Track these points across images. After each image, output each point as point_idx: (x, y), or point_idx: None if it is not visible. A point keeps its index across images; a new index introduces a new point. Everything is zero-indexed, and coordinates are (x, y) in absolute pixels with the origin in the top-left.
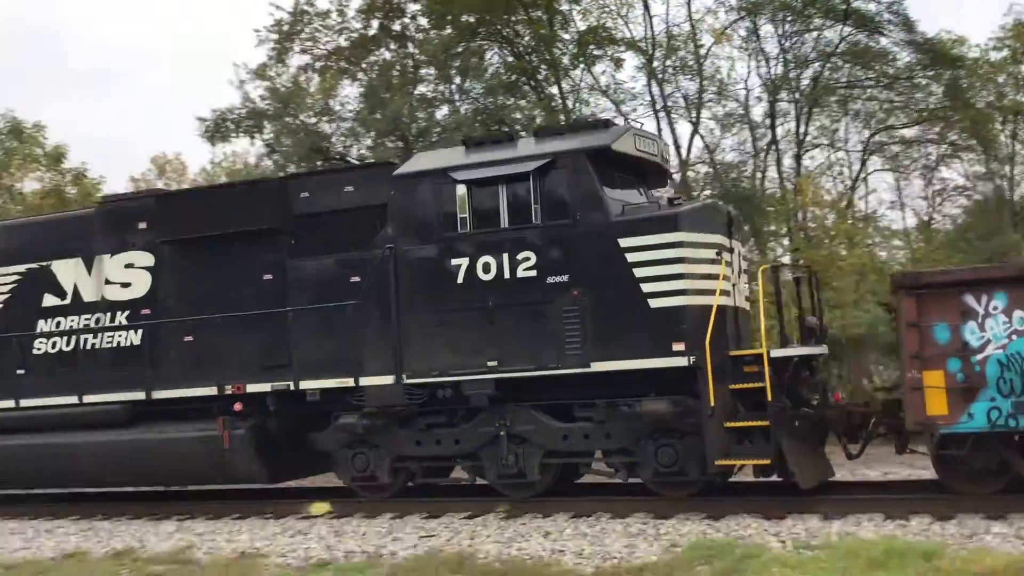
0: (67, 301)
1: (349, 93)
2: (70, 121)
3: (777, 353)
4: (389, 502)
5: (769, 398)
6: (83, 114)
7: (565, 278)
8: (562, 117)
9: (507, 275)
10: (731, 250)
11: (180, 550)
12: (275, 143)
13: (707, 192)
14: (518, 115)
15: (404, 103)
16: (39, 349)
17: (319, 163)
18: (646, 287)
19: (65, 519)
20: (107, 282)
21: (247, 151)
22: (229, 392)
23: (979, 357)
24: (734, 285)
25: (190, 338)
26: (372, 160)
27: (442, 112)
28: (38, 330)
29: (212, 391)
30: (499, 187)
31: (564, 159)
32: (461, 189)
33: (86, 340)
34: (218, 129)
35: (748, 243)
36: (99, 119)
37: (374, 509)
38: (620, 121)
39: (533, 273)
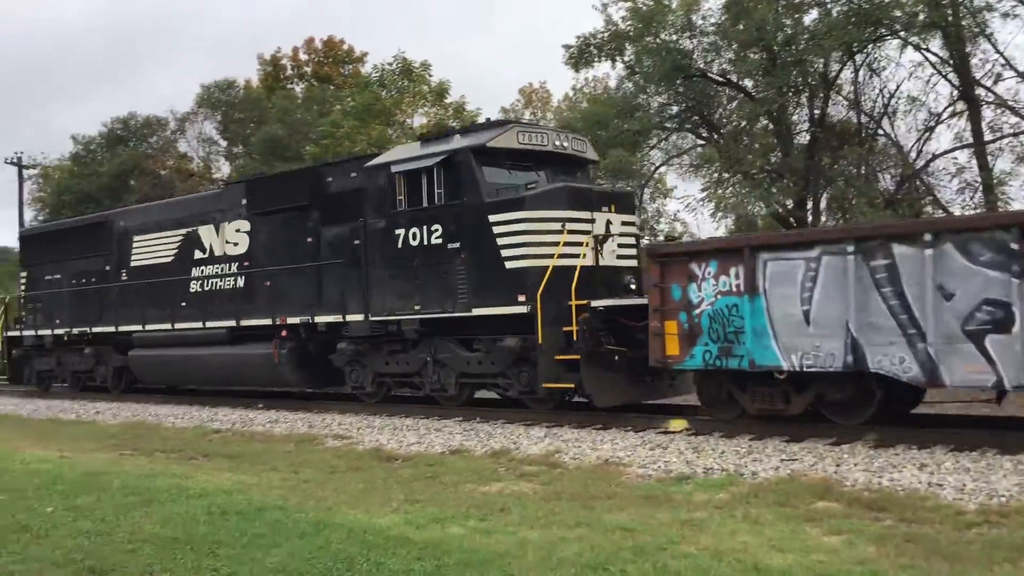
0: (206, 255)
1: (712, 5)
2: (451, 58)
3: (596, 303)
4: (748, 424)
5: (575, 338)
6: (459, 52)
7: (457, 245)
8: (949, 12)
9: (425, 242)
10: (591, 220)
11: (549, 454)
12: (636, 64)
13: None
14: (898, 13)
15: (769, 10)
16: (191, 289)
17: (678, 81)
18: (504, 252)
19: (451, 420)
20: (226, 242)
21: (608, 75)
22: (278, 323)
23: (697, 311)
24: (595, 248)
25: (267, 283)
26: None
27: (811, 16)
28: (191, 275)
29: (269, 322)
30: (421, 176)
31: (456, 155)
32: (398, 178)
33: (214, 283)
34: (581, 55)
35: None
36: (473, 55)
37: (732, 430)
38: None
39: (440, 241)
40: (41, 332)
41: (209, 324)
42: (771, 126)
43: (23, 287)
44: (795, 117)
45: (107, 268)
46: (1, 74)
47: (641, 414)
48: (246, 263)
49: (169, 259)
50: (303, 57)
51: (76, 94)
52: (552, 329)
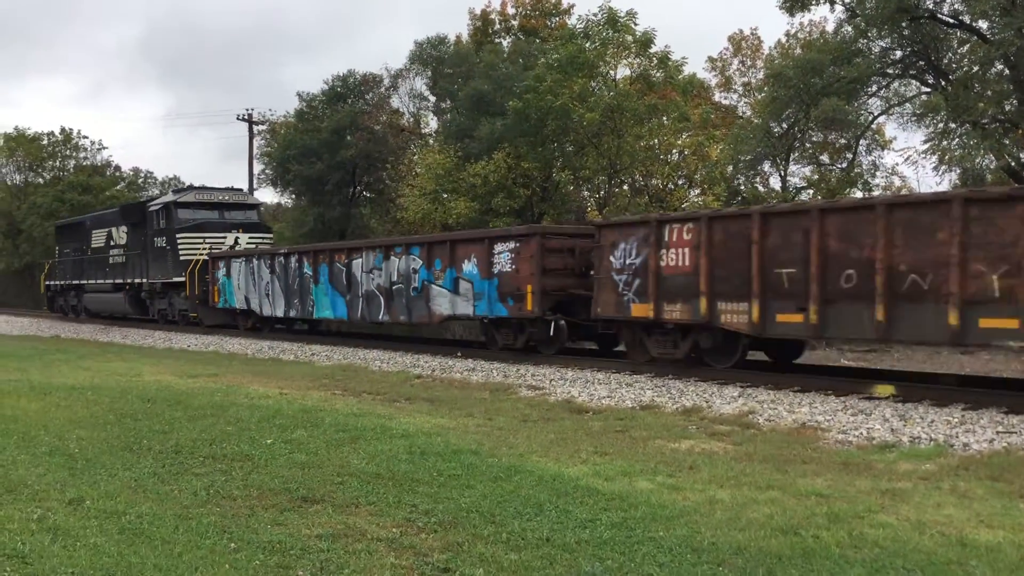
0: (113, 244)
1: None
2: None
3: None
4: (963, 392)
5: (196, 292)
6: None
7: (167, 246)
8: None
9: (159, 245)
10: (224, 238)
11: (743, 414)
12: (857, 6)
13: None
14: None
15: None
16: (109, 262)
17: (904, 24)
18: (180, 252)
19: (642, 375)
20: (120, 238)
21: (824, 19)
22: (126, 282)
23: None
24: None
25: (125, 261)
26: None
27: None
28: (109, 255)
29: (122, 280)
30: (159, 212)
31: (168, 205)
32: (153, 213)
33: (115, 259)
34: None
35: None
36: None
37: (945, 397)
38: None
39: (163, 244)
40: (58, 282)
41: (115, 281)
42: (1007, 71)
43: (56, 256)
44: None
45: (82, 248)
46: (236, 35)
47: (845, 378)
48: (123, 250)
49: (101, 245)
50: (511, 11)
51: (305, 53)
52: (193, 287)
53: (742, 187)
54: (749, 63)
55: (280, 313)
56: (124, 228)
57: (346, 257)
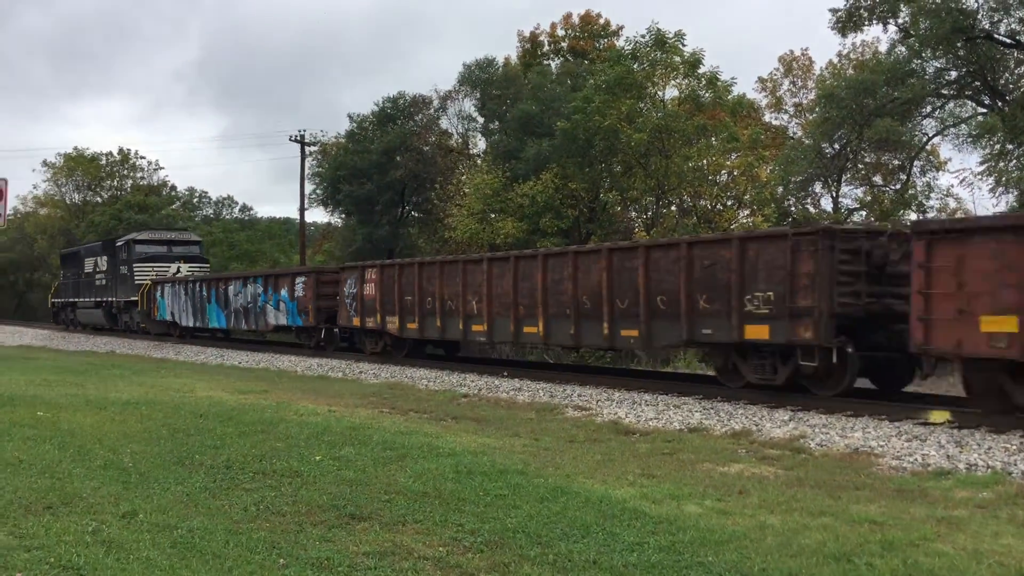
0: (97, 270)
1: None
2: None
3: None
4: (1020, 420)
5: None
6: (716, 21)
7: (128, 273)
8: None
9: (124, 272)
10: (168, 267)
11: (794, 438)
12: (911, 27)
13: None
14: None
15: None
16: (95, 284)
17: (959, 44)
18: (135, 277)
19: (690, 398)
20: (102, 265)
21: (877, 40)
22: (104, 300)
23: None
24: (174, 272)
25: (105, 283)
26: None
27: None
28: (94, 279)
29: (102, 299)
30: (124, 247)
31: (128, 242)
32: (120, 247)
33: (99, 282)
34: (850, 18)
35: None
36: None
37: (1003, 424)
38: None
39: (125, 272)
40: (60, 300)
41: (96, 299)
42: None
43: (60, 279)
44: None
45: (78, 272)
46: (291, 57)
47: (898, 403)
48: (103, 275)
49: (91, 270)
50: (560, 33)
51: (355, 76)
52: (142, 304)
53: (792, 208)
54: (800, 83)
55: (190, 324)
56: (104, 257)
57: (224, 284)
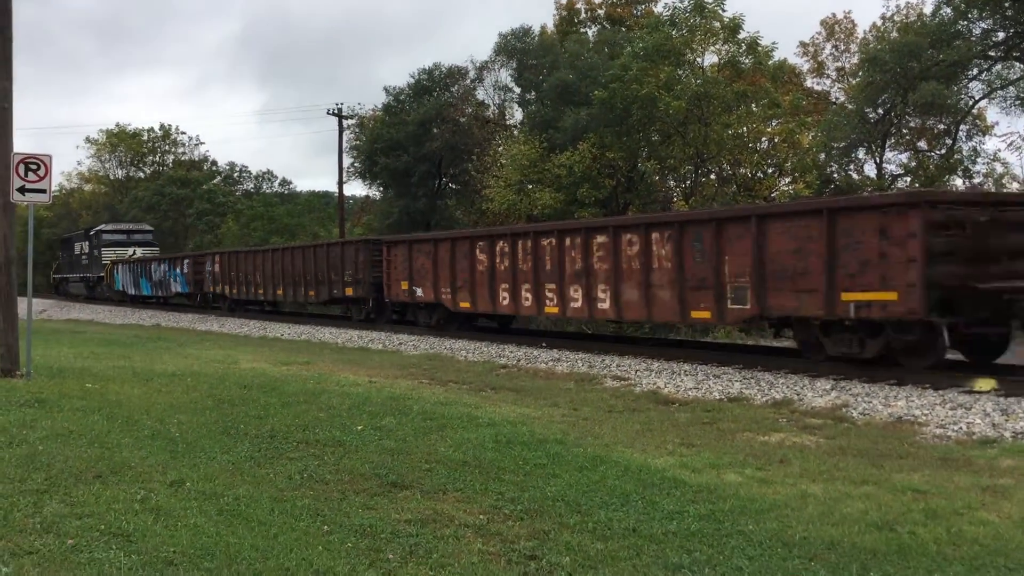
0: (84, 252)
1: None
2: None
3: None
4: None
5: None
6: None
7: (99, 255)
8: None
9: (97, 255)
10: (127, 250)
11: (836, 407)
12: None
13: None
14: None
15: None
16: (81, 263)
17: (1007, 3)
18: (103, 257)
19: (730, 367)
20: (87, 248)
21: (922, 1)
22: (88, 276)
23: None
24: (131, 255)
25: (87, 262)
26: None
27: None
28: (81, 259)
29: (89, 275)
30: (95, 235)
31: (97, 232)
32: (92, 235)
33: (83, 261)
34: None
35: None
36: None
37: None
38: None
39: (96, 254)
40: (58, 276)
41: (80, 275)
42: None
43: (59, 259)
44: None
45: (70, 254)
46: (332, 31)
47: (943, 371)
48: (85, 256)
49: (78, 252)
50: (597, 0)
51: (398, 48)
52: (106, 279)
53: (835, 175)
54: (843, 47)
55: (132, 292)
56: (85, 243)
57: (149, 265)
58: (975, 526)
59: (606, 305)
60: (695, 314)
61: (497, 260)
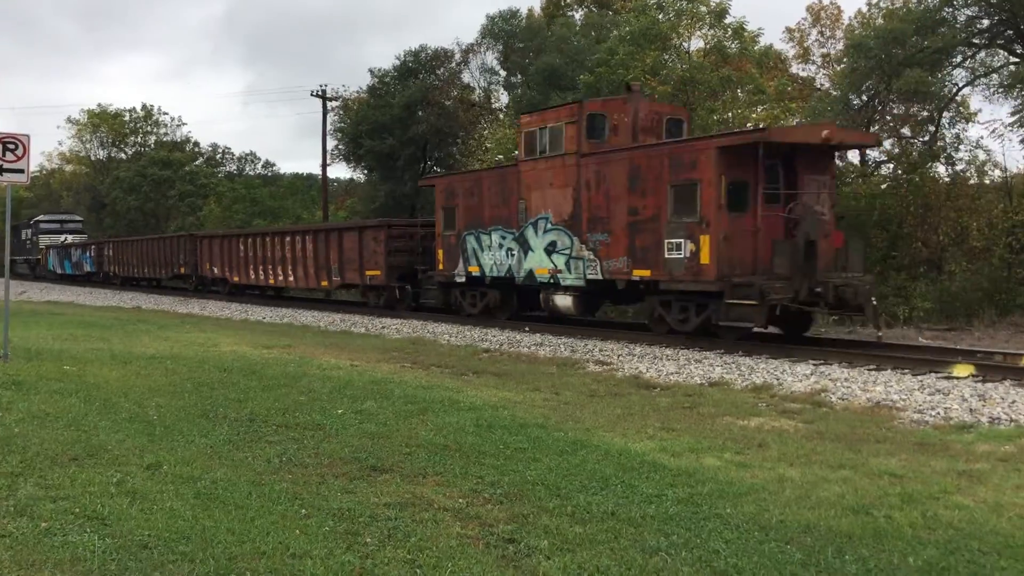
0: (57, 237)
1: None
2: None
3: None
4: None
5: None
6: None
7: (37, 240)
8: None
9: (35, 240)
10: (59, 236)
11: (815, 392)
12: None
13: None
14: None
15: None
16: (46, 247)
17: None
18: (40, 241)
19: (711, 352)
20: (61, 235)
21: None
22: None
23: None
24: (63, 241)
25: (39, 242)
26: None
27: None
28: (43, 243)
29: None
30: (34, 224)
31: (35, 222)
32: (33, 224)
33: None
34: None
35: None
36: None
37: None
38: None
39: (35, 239)
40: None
41: (25, 258)
42: None
43: (11, 244)
44: None
45: (18, 240)
46: (318, 12)
47: (921, 356)
48: (28, 241)
49: (24, 238)
50: None
51: (385, 30)
52: (42, 260)
53: None
54: (828, 33)
55: (59, 272)
56: (29, 230)
57: (69, 248)
58: (950, 510)
59: (292, 279)
60: (323, 283)
61: (248, 251)
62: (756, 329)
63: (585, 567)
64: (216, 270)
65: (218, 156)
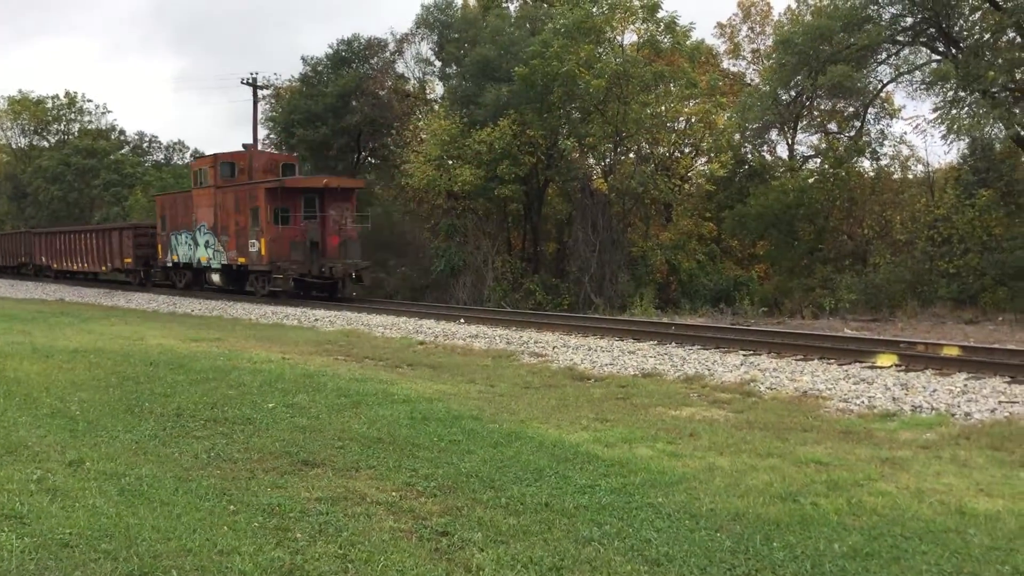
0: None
1: None
2: None
3: None
4: (962, 363)
5: None
6: None
7: None
8: None
9: None
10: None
11: (744, 382)
12: None
13: None
14: None
15: None
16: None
17: None
18: None
19: (645, 343)
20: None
21: None
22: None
23: None
24: None
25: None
26: None
27: None
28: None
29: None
30: None
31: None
32: None
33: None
34: None
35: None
36: None
37: (947, 366)
38: None
39: None
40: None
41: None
42: (1019, 39)
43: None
44: None
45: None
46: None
47: (846, 348)
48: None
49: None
50: None
51: (321, 18)
52: None
53: (749, 155)
54: (759, 29)
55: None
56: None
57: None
58: (874, 497)
59: (86, 265)
60: (103, 268)
61: (61, 244)
62: (309, 294)
63: (519, 559)
64: (44, 259)
65: (145, 144)
